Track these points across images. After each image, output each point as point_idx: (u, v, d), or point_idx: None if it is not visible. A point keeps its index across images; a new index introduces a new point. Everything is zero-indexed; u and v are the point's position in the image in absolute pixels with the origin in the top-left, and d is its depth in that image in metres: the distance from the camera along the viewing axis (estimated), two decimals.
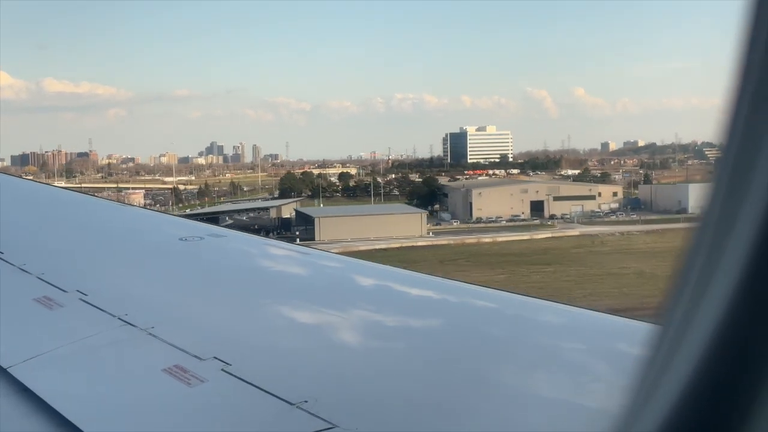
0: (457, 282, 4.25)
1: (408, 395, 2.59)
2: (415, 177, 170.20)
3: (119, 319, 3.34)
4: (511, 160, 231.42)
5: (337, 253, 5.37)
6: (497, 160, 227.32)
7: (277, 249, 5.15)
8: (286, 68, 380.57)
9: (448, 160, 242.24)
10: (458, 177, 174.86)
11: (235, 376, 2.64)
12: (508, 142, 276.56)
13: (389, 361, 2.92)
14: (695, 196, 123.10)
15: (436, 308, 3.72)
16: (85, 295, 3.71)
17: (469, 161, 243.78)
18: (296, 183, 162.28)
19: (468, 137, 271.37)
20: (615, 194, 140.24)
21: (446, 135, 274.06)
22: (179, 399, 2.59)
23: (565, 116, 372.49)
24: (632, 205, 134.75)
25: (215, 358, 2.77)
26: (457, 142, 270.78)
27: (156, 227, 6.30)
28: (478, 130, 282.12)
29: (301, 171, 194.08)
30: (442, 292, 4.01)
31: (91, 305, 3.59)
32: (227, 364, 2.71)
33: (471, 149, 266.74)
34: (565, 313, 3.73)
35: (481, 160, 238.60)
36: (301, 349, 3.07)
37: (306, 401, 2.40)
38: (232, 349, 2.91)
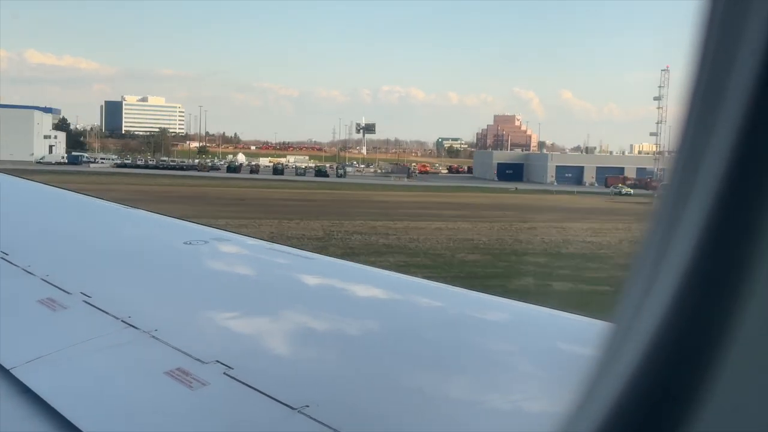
0: (457, 288, 4.25)
1: (410, 400, 2.60)
2: None
3: (122, 321, 3.34)
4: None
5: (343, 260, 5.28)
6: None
7: (281, 254, 5.11)
8: (274, 54, 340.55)
9: (103, 130, 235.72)
10: None
11: (237, 380, 2.64)
12: (175, 116, 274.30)
13: (391, 366, 2.93)
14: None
15: (442, 314, 3.74)
16: (89, 297, 3.70)
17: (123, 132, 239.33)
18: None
19: (124, 107, 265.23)
20: None
21: (103, 103, 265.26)
22: (181, 402, 2.59)
23: (553, 118, 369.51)
24: None
25: (217, 361, 2.78)
26: (113, 111, 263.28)
27: (161, 230, 6.24)
28: (140, 100, 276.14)
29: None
30: (446, 300, 4.02)
31: (95, 307, 3.57)
32: (229, 367, 2.72)
33: (127, 120, 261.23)
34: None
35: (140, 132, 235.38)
36: (304, 354, 3.09)
37: (308, 406, 2.39)
38: (234, 353, 2.92)
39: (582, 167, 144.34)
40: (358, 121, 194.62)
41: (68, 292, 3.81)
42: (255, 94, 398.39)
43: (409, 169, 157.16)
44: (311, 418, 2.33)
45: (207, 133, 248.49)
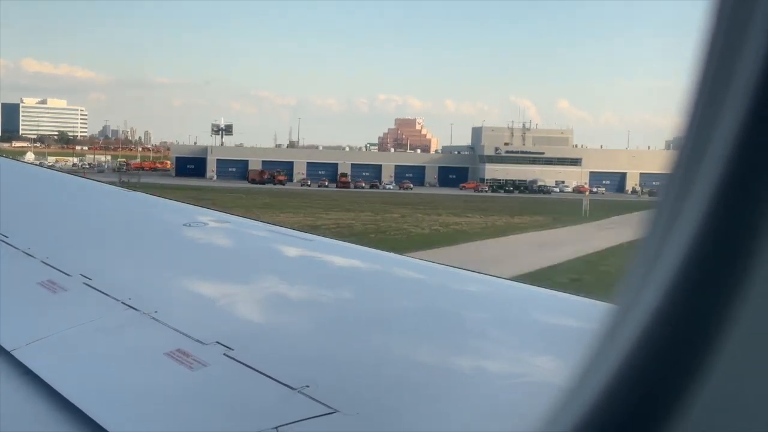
0: (460, 270, 4.21)
1: (410, 379, 2.59)
2: None
3: (123, 303, 3.33)
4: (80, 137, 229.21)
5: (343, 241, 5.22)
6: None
7: (281, 235, 5.10)
8: (270, 62, 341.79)
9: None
10: None
11: (237, 361, 2.63)
12: (76, 119, 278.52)
13: (392, 346, 2.91)
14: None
15: (446, 294, 3.75)
16: (89, 279, 3.69)
17: (21, 134, 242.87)
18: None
19: (21, 110, 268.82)
20: None
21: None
22: (181, 382, 2.59)
23: (549, 127, 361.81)
24: None
25: (218, 342, 2.76)
26: (10, 114, 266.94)
27: (161, 213, 6.22)
28: (40, 102, 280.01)
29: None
30: (448, 281, 4.00)
31: (95, 289, 3.57)
32: (229, 348, 2.70)
33: (24, 123, 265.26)
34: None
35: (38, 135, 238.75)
36: (305, 335, 3.07)
37: (308, 386, 2.38)
38: (234, 335, 2.90)
39: (247, 161, 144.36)
40: (215, 122, 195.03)
41: (68, 275, 3.81)
42: (252, 102, 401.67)
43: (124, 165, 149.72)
44: (311, 398, 2.33)
45: (107, 136, 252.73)
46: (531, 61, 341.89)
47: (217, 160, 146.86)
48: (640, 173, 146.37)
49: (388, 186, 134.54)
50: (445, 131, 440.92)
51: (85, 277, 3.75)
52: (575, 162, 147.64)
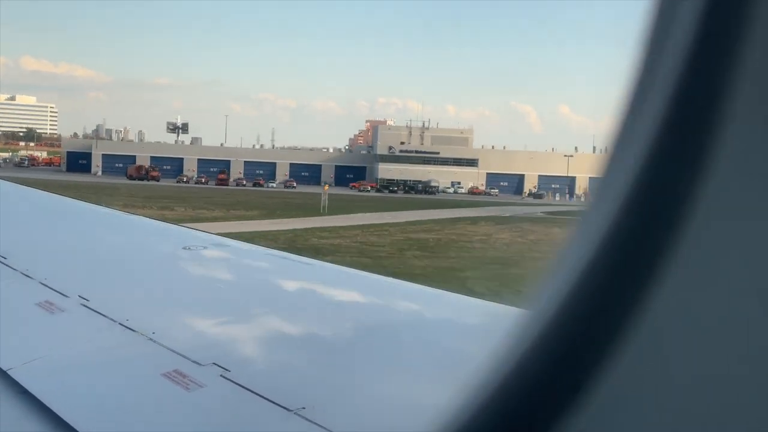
0: (459, 295, 4.28)
1: (406, 401, 2.64)
2: None
3: (120, 324, 3.37)
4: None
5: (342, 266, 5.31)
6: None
7: (279, 259, 5.18)
8: (271, 65, 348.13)
9: None
10: None
11: (234, 382, 2.68)
12: (46, 116, 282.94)
13: (388, 369, 2.97)
14: None
15: (442, 320, 3.81)
16: (87, 300, 3.72)
17: None
18: None
19: None
20: None
21: None
22: (177, 403, 2.63)
23: (550, 132, 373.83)
24: None
25: (214, 364, 2.81)
26: None
27: (160, 236, 6.29)
28: (8, 99, 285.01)
29: None
30: (446, 306, 4.08)
31: (93, 310, 3.61)
32: (226, 370, 2.76)
33: None
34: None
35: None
36: (301, 357, 3.13)
37: (304, 408, 2.43)
38: (231, 356, 2.96)
39: (135, 156, 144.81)
40: (171, 120, 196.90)
41: (66, 296, 3.85)
42: (252, 105, 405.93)
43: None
44: (307, 419, 2.38)
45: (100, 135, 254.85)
46: (531, 66, 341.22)
47: (103, 155, 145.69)
48: (539, 175, 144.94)
49: (271, 185, 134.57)
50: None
51: (82, 298, 3.82)
52: (472, 163, 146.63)
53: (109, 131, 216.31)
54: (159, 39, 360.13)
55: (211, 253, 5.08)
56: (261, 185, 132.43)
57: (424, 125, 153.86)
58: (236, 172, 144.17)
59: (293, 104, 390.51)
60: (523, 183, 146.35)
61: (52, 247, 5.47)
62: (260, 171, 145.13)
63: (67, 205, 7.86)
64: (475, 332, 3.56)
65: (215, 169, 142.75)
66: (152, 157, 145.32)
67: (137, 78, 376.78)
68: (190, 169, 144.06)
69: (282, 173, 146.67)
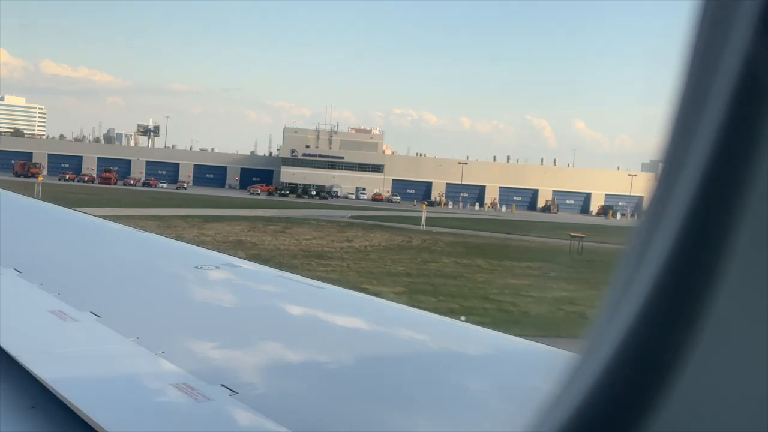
0: (464, 323, 4.51)
1: (414, 426, 2.71)
2: None
3: (130, 341, 3.41)
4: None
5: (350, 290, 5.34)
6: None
7: (291, 282, 5.21)
8: (287, 73, 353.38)
9: None
10: None
11: (242, 402, 2.72)
12: (34, 117, 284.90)
13: (396, 397, 3.02)
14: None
15: (450, 349, 3.85)
16: (99, 317, 3.77)
17: None
18: None
19: None
20: None
21: None
22: (186, 408, 2.68)
23: (564, 147, 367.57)
24: None
25: (222, 385, 2.84)
26: None
27: (173, 254, 6.30)
28: None
29: None
30: (454, 334, 4.15)
31: (104, 326, 3.65)
32: (234, 392, 2.79)
33: None
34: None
35: None
36: (311, 383, 3.14)
37: None
38: (239, 379, 2.98)
39: (31, 153, 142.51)
40: (142, 123, 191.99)
41: (79, 310, 3.88)
42: (267, 112, 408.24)
43: None
44: None
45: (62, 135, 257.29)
46: (548, 81, 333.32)
47: (49, 155, 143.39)
48: (447, 183, 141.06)
49: (162, 185, 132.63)
50: (406, 142, 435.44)
51: (94, 314, 3.84)
52: (377, 168, 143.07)
53: (119, 135, 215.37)
54: (178, 45, 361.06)
55: (222, 274, 5.11)
56: (153, 185, 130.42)
57: (333, 129, 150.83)
58: (137, 171, 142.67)
59: (308, 113, 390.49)
60: (430, 190, 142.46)
61: (67, 262, 5.49)
62: (162, 171, 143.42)
63: (82, 223, 7.94)
64: (488, 365, 3.64)
65: (164, 171, 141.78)
66: (50, 155, 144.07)
67: (156, 83, 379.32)
68: (90, 167, 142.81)
69: (185, 174, 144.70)
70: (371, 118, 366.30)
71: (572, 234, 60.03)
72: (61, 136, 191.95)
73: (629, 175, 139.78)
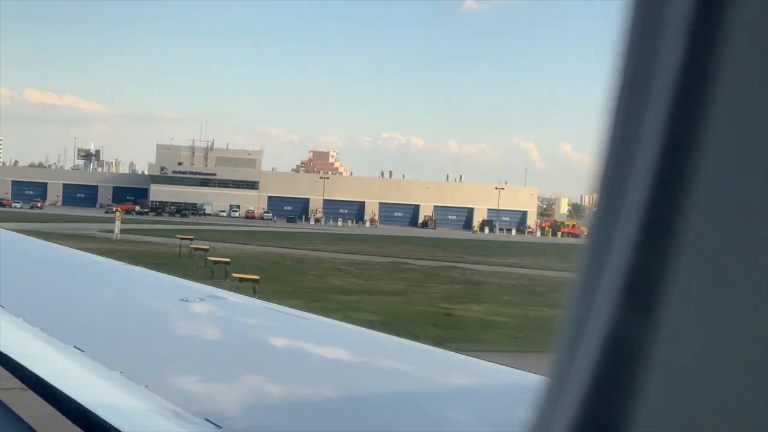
0: (459, 355, 4.41)
1: None
2: None
3: (114, 374, 3.41)
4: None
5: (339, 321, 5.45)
6: None
7: (277, 313, 5.19)
8: (275, 99, 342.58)
9: None
10: None
11: None
12: None
13: (381, 427, 3.01)
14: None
15: (446, 381, 3.86)
16: (82, 351, 3.74)
17: None
18: None
19: None
20: None
21: None
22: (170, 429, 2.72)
23: (551, 170, 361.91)
24: None
25: (207, 420, 2.82)
26: None
27: (157, 287, 6.27)
28: None
29: None
30: (450, 366, 4.16)
31: (88, 360, 3.64)
32: (218, 426, 2.76)
33: None
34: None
35: None
36: (296, 416, 3.16)
37: None
38: (224, 413, 2.98)
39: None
40: (83, 147, 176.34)
41: (62, 344, 3.89)
42: (256, 138, 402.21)
43: None
44: None
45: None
46: (535, 106, 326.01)
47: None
48: (324, 199, 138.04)
49: (16, 205, 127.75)
50: (365, 165, 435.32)
51: (78, 349, 3.80)
52: (252, 185, 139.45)
53: (101, 163, 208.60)
54: (165, 73, 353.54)
55: (207, 306, 5.07)
56: (6, 205, 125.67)
57: (208, 145, 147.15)
58: (2, 191, 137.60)
59: (296, 139, 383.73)
60: (307, 207, 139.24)
61: (50, 296, 5.50)
62: (29, 191, 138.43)
63: (65, 256, 7.85)
64: (474, 394, 3.61)
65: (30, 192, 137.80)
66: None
67: (142, 111, 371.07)
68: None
69: (54, 194, 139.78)
70: (358, 142, 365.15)
71: (182, 237, 53.20)
72: (16, 163, 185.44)
73: (496, 188, 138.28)
